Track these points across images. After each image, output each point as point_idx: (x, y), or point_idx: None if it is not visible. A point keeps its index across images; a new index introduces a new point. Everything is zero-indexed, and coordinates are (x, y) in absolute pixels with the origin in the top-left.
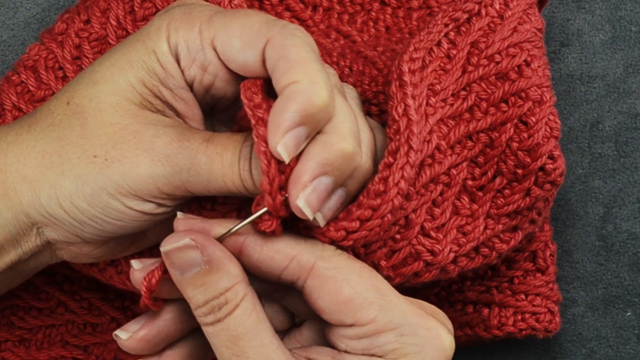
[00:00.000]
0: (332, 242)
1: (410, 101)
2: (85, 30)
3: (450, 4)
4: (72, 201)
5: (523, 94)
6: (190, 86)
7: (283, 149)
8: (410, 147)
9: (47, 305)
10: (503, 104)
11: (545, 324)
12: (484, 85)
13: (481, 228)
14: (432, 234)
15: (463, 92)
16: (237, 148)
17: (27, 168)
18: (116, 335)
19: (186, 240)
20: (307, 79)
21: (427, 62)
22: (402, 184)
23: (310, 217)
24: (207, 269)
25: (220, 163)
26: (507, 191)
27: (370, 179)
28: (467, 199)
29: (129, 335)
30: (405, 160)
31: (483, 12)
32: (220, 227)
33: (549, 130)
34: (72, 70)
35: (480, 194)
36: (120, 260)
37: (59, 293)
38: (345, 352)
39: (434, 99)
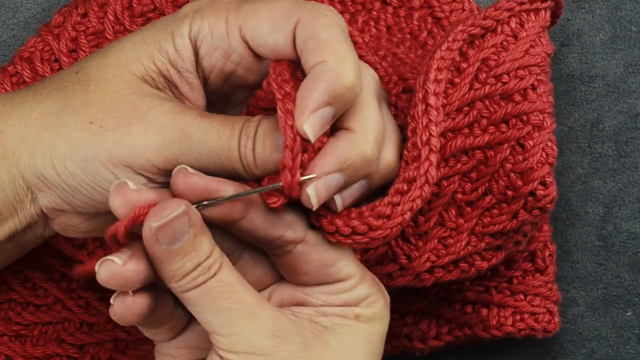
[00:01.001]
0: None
1: (433, 128)
2: (82, 24)
3: (469, 17)
4: (65, 164)
5: (524, 117)
6: (208, 74)
7: (309, 128)
8: (427, 181)
9: (44, 302)
10: (503, 125)
11: (544, 324)
12: (487, 103)
13: (463, 243)
14: (412, 239)
15: (466, 108)
16: (237, 126)
17: (26, 129)
18: (108, 260)
19: (182, 207)
20: (335, 58)
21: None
22: (408, 216)
23: (315, 208)
24: (195, 233)
25: (217, 136)
26: (495, 211)
27: (394, 176)
28: (454, 212)
29: (123, 261)
30: (419, 193)
31: (498, 29)
32: (229, 187)
33: (544, 156)
34: (67, 62)
35: (468, 209)
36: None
37: (56, 291)
38: (322, 306)
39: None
